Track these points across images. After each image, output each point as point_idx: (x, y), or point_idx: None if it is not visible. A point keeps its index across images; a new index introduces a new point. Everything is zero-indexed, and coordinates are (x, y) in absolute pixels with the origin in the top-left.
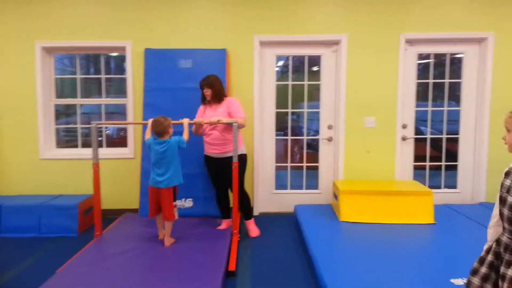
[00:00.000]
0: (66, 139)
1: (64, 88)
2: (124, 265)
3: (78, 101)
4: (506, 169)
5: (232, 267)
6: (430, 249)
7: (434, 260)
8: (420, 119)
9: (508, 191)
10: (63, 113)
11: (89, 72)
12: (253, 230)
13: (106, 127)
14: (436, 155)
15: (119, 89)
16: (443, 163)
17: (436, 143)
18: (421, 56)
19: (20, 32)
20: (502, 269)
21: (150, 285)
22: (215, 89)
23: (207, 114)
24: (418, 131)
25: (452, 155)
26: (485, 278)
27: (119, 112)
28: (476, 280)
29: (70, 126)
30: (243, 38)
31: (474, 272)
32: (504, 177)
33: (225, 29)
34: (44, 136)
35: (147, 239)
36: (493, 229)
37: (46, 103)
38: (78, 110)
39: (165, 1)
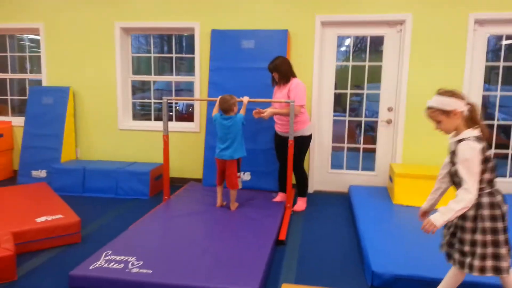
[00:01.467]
0: (142, 113)
1: (140, 66)
2: (187, 225)
3: (152, 78)
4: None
5: (282, 236)
6: None
7: None
8: (491, 104)
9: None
10: (139, 88)
11: (163, 51)
12: (300, 205)
13: (176, 103)
14: (505, 142)
15: (190, 67)
16: (510, 151)
17: (505, 129)
18: (493, 37)
19: (101, 14)
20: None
21: (208, 243)
22: (281, 72)
23: (276, 95)
24: (488, 116)
25: None
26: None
27: (188, 89)
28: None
29: (145, 101)
30: (305, 18)
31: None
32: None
33: (287, 9)
34: (122, 108)
35: (208, 206)
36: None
37: (124, 79)
38: (151, 86)
39: None
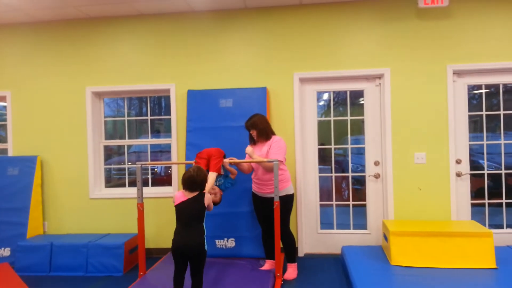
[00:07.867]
0: (118, 177)
1: (117, 128)
2: None
3: (125, 142)
4: None
5: None
6: None
7: None
8: (478, 152)
9: None
10: (116, 152)
11: (142, 112)
12: (291, 273)
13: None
14: (497, 191)
15: (169, 128)
16: (504, 201)
17: (496, 178)
18: (472, 87)
19: (71, 80)
20: None
21: None
22: (259, 129)
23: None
24: (476, 165)
25: None
26: None
27: (168, 150)
28: None
29: (118, 166)
30: (283, 75)
31: None
32: None
33: (265, 67)
34: (94, 176)
35: (190, 281)
36: None
37: (95, 145)
38: (125, 150)
39: (206, 43)
